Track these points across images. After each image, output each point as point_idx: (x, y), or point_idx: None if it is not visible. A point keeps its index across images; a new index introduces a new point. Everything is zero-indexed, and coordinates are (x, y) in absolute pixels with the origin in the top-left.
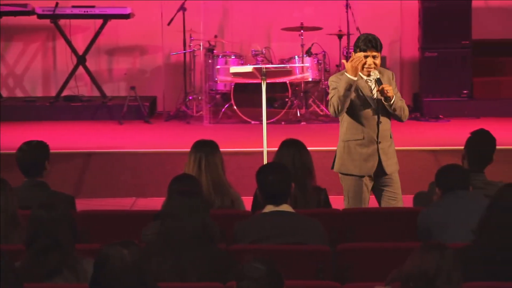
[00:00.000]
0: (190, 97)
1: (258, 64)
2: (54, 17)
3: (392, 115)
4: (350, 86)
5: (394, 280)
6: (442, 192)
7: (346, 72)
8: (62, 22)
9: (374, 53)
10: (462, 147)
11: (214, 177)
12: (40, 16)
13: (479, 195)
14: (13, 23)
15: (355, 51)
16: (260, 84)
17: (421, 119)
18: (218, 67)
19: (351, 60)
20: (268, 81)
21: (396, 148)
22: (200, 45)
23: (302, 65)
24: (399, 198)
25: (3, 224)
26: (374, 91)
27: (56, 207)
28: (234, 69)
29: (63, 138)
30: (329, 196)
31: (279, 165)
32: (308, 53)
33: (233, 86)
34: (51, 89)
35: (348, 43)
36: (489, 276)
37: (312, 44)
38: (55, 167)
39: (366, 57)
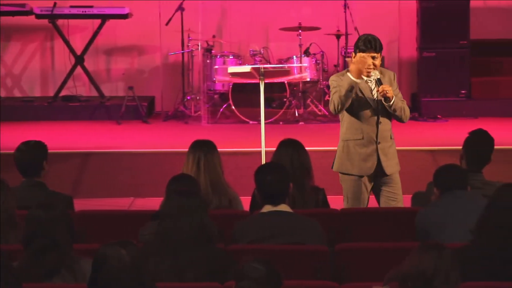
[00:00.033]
0: (188, 97)
1: (256, 64)
2: (52, 17)
3: (393, 116)
4: (352, 87)
5: (392, 280)
6: (440, 192)
7: (350, 72)
8: (60, 22)
9: (374, 54)
10: (460, 147)
11: (213, 177)
12: (38, 16)
13: (477, 195)
14: (11, 23)
15: (355, 52)
16: (258, 84)
17: (419, 119)
18: (216, 67)
19: (356, 62)
20: (266, 81)
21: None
22: (198, 45)
23: (300, 65)
24: (399, 199)
25: (1, 224)
26: (374, 92)
27: (54, 207)
28: (232, 69)
29: (61, 138)
30: (327, 196)
31: (278, 165)
32: (306, 53)
33: (231, 86)
34: (49, 89)
35: (346, 43)
36: (487, 276)
37: (310, 44)
38: (53, 167)
39: None
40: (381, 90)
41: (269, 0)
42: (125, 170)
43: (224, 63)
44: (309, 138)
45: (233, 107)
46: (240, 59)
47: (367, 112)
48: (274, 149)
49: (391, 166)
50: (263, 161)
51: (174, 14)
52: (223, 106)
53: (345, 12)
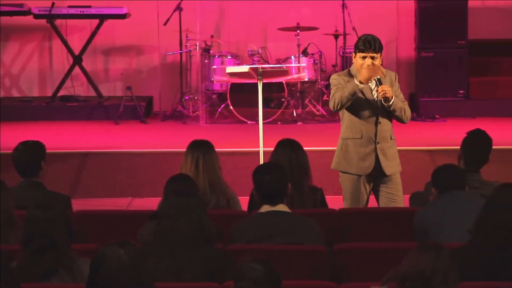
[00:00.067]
0: (187, 97)
1: (254, 64)
2: (50, 17)
3: (393, 116)
4: (355, 92)
5: (390, 280)
6: (438, 192)
7: (359, 76)
8: (58, 22)
9: (373, 54)
10: (458, 147)
11: (211, 177)
12: (36, 16)
13: (475, 195)
14: (9, 23)
15: (354, 52)
16: (256, 84)
17: (417, 119)
18: (215, 67)
19: (370, 68)
20: (264, 81)
21: None
22: (196, 45)
23: (298, 65)
24: (399, 200)
25: (1, 224)
26: (374, 92)
27: (52, 207)
28: (230, 69)
29: (59, 138)
30: (326, 196)
31: (276, 165)
32: (305, 53)
33: (229, 86)
34: (47, 89)
35: (344, 43)
36: (485, 276)
37: (309, 44)
38: (51, 167)
39: (364, 57)
40: (380, 90)
41: (267, 0)
42: (123, 170)
43: (222, 63)
44: (307, 138)
45: (231, 107)
46: (238, 59)
47: (367, 112)
48: (272, 149)
49: (391, 166)
50: (261, 161)
51: (172, 14)
52: (221, 106)
53: (343, 12)
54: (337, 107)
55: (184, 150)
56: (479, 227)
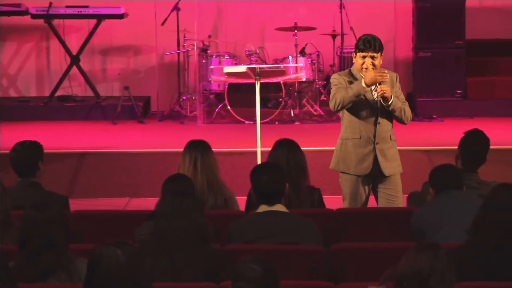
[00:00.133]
0: (184, 97)
1: (252, 64)
2: (48, 17)
3: (393, 117)
4: (360, 94)
5: (387, 280)
6: (435, 192)
7: (364, 79)
8: (56, 22)
9: (372, 54)
10: (456, 147)
11: (210, 176)
12: (34, 16)
13: (473, 195)
14: (7, 23)
15: (355, 52)
16: (254, 84)
17: (414, 119)
18: (212, 67)
19: (377, 72)
20: (262, 81)
21: None
22: (194, 45)
23: (296, 65)
24: (398, 201)
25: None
26: (374, 92)
27: (50, 207)
28: (228, 69)
29: (57, 138)
30: (323, 196)
31: (273, 165)
32: (302, 53)
33: (227, 86)
34: (45, 89)
35: (342, 43)
36: (483, 276)
37: (306, 44)
38: (49, 167)
39: (364, 57)
40: (379, 90)
41: (264, 0)
42: (120, 170)
43: (219, 63)
44: (305, 138)
45: (228, 107)
46: (235, 59)
47: (366, 112)
48: (270, 149)
49: (390, 167)
50: (259, 161)
51: (169, 14)
52: (219, 106)
53: (340, 12)
54: (337, 107)
55: (182, 150)
56: (476, 227)
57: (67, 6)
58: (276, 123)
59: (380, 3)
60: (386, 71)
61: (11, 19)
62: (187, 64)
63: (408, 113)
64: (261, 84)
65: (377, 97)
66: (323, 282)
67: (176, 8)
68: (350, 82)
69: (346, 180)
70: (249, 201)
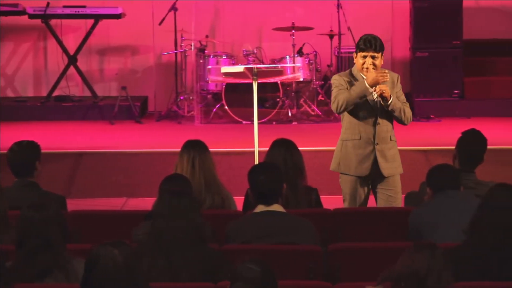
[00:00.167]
0: (182, 97)
1: (249, 64)
2: (45, 17)
3: (393, 117)
4: (364, 96)
5: (385, 280)
6: (433, 192)
7: (366, 81)
8: (53, 22)
9: (373, 54)
10: (453, 147)
11: (208, 176)
12: (31, 16)
13: (470, 195)
14: (4, 23)
15: (356, 52)
16: (251, 84)
17: (412, 119)
18: (210, 67)
19: (378, 73)
20: (259, 81)
21: None
22: (191, 45)
23: (293, 65)
24: (397, 202)
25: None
26: (374, 92)
27: (47, 207)
28: (225, 69)
29: (54, 138)
30: (320, 196)
31: (271, 165)
32: (299, 53)
33: (224, 86)
34: (42, 89)
35: (339, 43)
36: (480, 276)
37: (304, 44)
38: (46, 167)
39: (364, 57)
40: (377, 89)
41: (262, 0)
42: (118, 170)
43: (217, 63)
44: (302, 138)
45: (226, 107)
46: (233, 59)
47: (366, 113)
48: (267, 149)
49: (390, 168)
50: (256, 161)
51: (167, 14)
52: (216, 106)
53: (338, 12)
54: (340, 109)
55: (179, 150)
56: (473, 227)
57: (65, 6)
58: (274, 123)
59: (377, 3)
60: (386, 71)
61: (8, 19)
62: (185, 64)
63: (408, 113)
64: (259, 84)
65: (376, 97)
66: (321, 282)
67: (173, 8)
68: (350, 82)
69: (346, 181)
70: (247, 201)
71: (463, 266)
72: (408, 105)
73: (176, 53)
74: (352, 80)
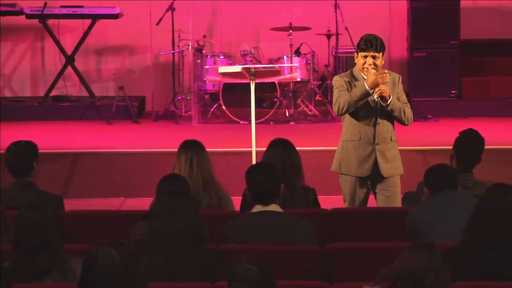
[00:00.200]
0: (179, 97)
1: (247, 64)
2: (43, 17)
3: (394, 118)
4: (365, 97)
5: (382, 280)
6: (430, 192)
7: (366, 82)
8: (50, 22)
9: (374, 54)
10: (451, 147)
11: (205, 176)
12: (29, 16)
13: (468, 195)
14: (2, 23)
15: (356, 52)
16: (248, 84)
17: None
18: (207, 67)
19: (377, 74)
20: (256, 81)
21: None
22: (189, 45)
23: (290, 65)
24: (396, 203)
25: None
26: (374, 92)
27: (45, 207)
28: (222, 69)
29: (52, 138)
30: (318, 196)
31: (269, 165)
32: (297, 53)
33: (221, 86)
34: (40, 89)
35: (336, 43)
36: (478, 275)
37: (301, 44)
38: (44, 167)
39: (365, 57)
40: (377, 89)
41: (259, 0)
42: (115, 170)
43: (214, 63)
44: (300, 138)
45: (223, 107)
46: (230, 59)
47: (366, 113)
48: (265, 149)
49: (389, 168)
50: (254, 161)
51: (164, 14)
52: (214, 106)
53: (335, 12)
54: (342, 111)
55: (177, 150)
56: (471, 227)
57: (62, 6)
58: (271, 123)
59: (375, 3)
60: (387, 72)
61: (5, 19)
62: (182, 64)
63: (409, 114)
64: (256, 84)
65: (376, 98)
66: (318, 282)
67: (171, 8)
68: (350, 83)
69: (346, 181)
70: (244, 201)
71: (461, 266)
72: (409, 105)
73: (173, 53)
74: (353, 80)
